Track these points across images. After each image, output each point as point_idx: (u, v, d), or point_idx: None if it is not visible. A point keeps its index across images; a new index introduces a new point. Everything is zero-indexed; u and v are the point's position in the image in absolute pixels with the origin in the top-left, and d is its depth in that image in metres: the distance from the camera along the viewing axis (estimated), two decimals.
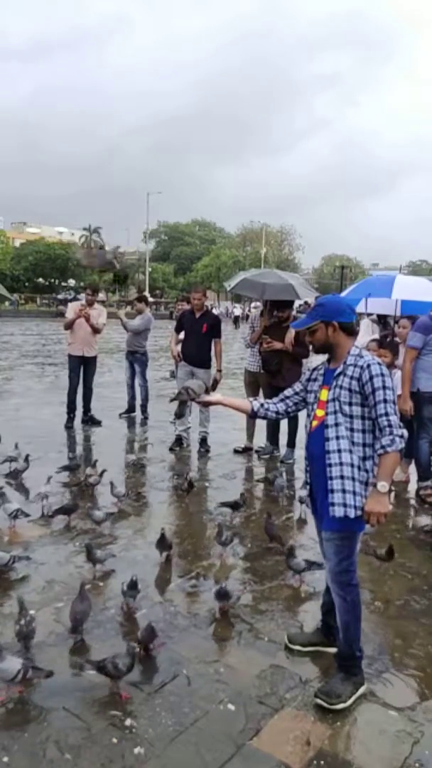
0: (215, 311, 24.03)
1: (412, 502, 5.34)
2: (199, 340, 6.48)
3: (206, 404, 3.06)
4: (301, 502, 4.74)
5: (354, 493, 2.51)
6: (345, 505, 2.52)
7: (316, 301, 2.78)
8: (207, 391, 3.04)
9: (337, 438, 2.53)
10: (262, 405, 2.85)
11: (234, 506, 4.55)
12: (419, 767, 2.25)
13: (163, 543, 3.82)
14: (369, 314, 7.53)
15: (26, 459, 5.37)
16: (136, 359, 8.25)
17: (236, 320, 36.57)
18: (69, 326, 7.53)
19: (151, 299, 48.76)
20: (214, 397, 2.96)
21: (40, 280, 53.20)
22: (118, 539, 4.23)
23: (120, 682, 2.56)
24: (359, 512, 2.51)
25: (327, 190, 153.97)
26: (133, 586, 3.20)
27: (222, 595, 3.17)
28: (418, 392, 5.26)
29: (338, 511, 2.53)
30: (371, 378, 2.47)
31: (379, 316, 7.71)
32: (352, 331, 2.65)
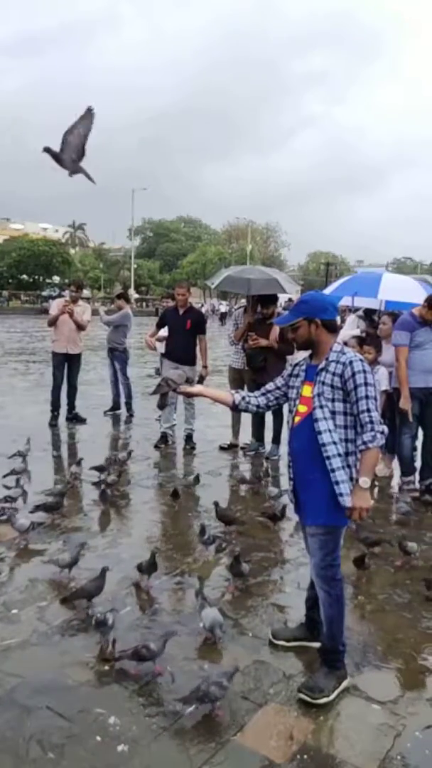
0: (203, 309, 24.05)
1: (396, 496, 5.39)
2: (183, 337, 6.46)
3: (188, 395, 3.07)
4: (280, 496, 4.73)
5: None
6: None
7: (300, 297, 2.80)
8: (188, 381, 3.02)
9: (329, 431, 2.54)
10: (243, 398, 2.85)
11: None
12: (401, 760, 2.27)
13: (152, 566, 3.46)
14: (355, 309, 7.55)
15: (24, 460, 5.32)
16: (116, 356, 8.22)
17: (222, 317, 36.58)
18: (53, 323, 7.47)
19: (136, 296, 48.67)
20: (195, 388, 2.96)
21: (24, 276, 52.48)
22: (104, 537, 4.21)
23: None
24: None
25: (313, 187, 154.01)
26: (103, 623, 2.81)
27: (210, 629, 2.93)
28: None
29: (348, 501, 2.52)
30: (353, 374, 2.49)
31: (365, 311, 7.73)
32: (334, 329, 2.67)
